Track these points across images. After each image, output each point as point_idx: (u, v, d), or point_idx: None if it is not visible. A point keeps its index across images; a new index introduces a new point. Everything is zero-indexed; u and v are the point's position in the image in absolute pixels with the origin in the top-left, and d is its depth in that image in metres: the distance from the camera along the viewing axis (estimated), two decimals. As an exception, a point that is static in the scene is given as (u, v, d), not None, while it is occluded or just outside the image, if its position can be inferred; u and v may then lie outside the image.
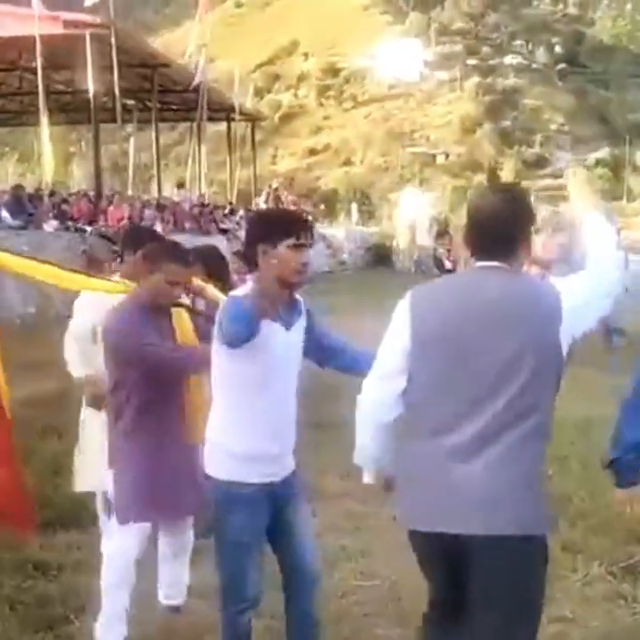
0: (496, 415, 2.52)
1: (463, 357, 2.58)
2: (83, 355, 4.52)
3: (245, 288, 2.99)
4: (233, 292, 3.08)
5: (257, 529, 3.16)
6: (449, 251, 13.54)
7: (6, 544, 4.82)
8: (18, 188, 17.62)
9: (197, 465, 3.27)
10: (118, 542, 3.75)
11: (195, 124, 25.85)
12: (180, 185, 26.57)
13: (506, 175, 66.35)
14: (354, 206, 49.80)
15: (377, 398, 2.78)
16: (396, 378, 2.71)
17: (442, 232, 15.38)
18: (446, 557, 2.70)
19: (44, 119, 18.60)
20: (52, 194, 18.44)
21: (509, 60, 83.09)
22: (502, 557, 2.54)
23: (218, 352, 2.99)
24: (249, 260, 3.10)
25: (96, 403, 4.40)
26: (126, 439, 3.65)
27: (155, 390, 3.59)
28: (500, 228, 2.63)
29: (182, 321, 3.77)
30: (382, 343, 2.80)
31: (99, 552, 4.63)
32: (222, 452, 3.05)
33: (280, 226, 3.01)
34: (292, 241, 2.95)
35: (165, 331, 3.65)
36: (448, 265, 13.39)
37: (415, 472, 2.69)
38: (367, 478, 3.07)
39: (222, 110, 28.75)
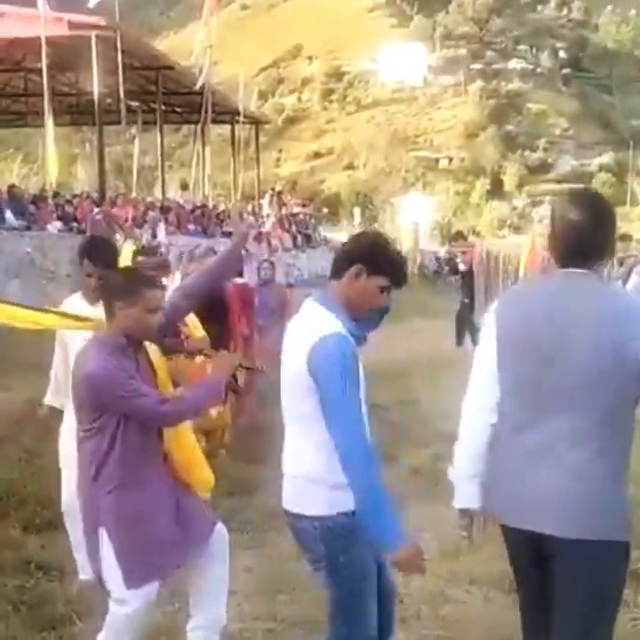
0: (580, 418, 2.61)
1: (548, 360, 2.65)
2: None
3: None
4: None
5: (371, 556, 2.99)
6: (464, 253, 13.51)
7: (8, 544, 4.84)
8: (13, 187, 17.60)
9: (184, 500, 3.35)
10: (126, 607, 3.30)
11: (199, 127, 25.86)
12: (184, 186, 26.61)
13: (509, 180, 66.43)
14: (356, 210, 49.90)
15: (481, 401, 2.85)
16: (494, 381, 2.81)
17: (456, 236, 15.35)
18: (533, 554, 2.82)
19: (48, 120, 18.63)
20: (55, 195, 18.46)
21: (513, 64, 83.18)
22: (587, 560, 2.64)
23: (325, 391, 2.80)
24: (340, 269, 2.93)
25: None
26: (115, 496, 3.23)
27: (142, 435, 3.27)
28: (585, 236, 2.69)
29: (154, 356, 3.47)
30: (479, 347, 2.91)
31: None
32: (326, 486, 2.84)
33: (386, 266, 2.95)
34: (385, 282, 2.95)
35: (146, 370, 3.36)
36: (462, 268, 13.40)
37: (502, 470, 2.81)
38: (459, 503, 3.09)
39: (226, 113, 28.77)
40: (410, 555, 2.76)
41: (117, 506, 3.21)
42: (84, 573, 4.18)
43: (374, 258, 2.89)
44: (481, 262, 13.86)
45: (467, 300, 13.07)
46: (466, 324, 12.89)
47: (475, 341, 12.52)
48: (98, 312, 4.02)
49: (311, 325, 2.84)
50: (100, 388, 3.15)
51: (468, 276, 13.31)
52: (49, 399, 4.58)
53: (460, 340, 12.96)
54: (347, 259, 2.90)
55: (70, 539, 4.36)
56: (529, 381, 2.69)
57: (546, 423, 2.66)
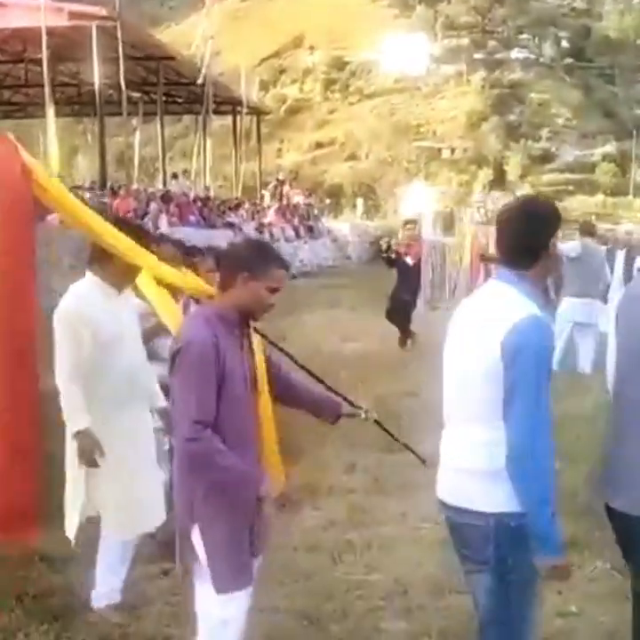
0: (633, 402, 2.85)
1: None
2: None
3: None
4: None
5: None
6: (410, 246, 12.82)
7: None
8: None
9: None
10: (221, 615, 3.11)
11: (200, 117, 25.81)
12: (174, 175, 26.51)
13: (512, 170, 66.27)
14: (359, 200, 49.78)
15: None
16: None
17: (407, 224, 14.40)
18: (618, 529, 3.02)
19: (49, 111, 18.60)
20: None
21: (516, 54, 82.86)
22: None
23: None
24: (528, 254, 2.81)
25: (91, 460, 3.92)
26: (216, 488, 3.03)
27: (241, 422, 3.06)
28: (512, 236, 2.85)
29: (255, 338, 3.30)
30: None
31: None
32: (507, 482, 2.65)
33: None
34: None
35: (247, 351, 3.18)
36: (410, 262, 12.77)
37: None
38: None
39: (228, 103, 28.72)
40: (566, 563, 2.69)
41: (217, 501, 3.02)
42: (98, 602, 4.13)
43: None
44: (428, 256, 13.62)
45: (407, 297, 12.00)
46: (406, 322, 12.06)
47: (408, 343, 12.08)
48: (121, 301, 4.00)
49: (504, 308, 2.68)
50: (191, 362, 2.93)
51: (413, 271, 12.41)
52: (85, 420, 3.92)
53: (405, 340, 11.96)
54: (536, 245, 2.79)
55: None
56: None
57: (617, 411, 3.01)
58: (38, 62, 19.63)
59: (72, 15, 18.04)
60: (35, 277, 2.54)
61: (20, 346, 2.77)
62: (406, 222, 13.16)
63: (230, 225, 22.62)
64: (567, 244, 9.76)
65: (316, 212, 33.82)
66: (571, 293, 9.87)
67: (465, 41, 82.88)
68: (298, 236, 27.92)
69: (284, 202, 29.76)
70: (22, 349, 2.82)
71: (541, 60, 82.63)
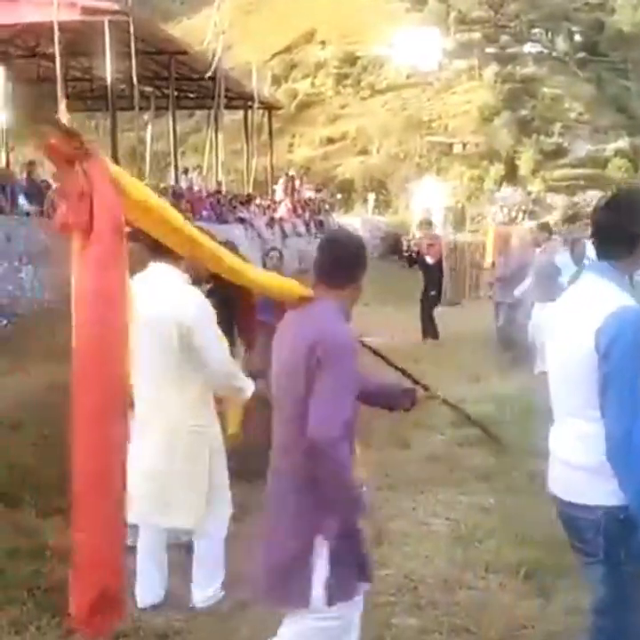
0: None
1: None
2: None
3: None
4: None
5: None
6: (431, 245, 13.35)
7: (24, 529, 4.86)
8: (31, 164, 17.43)
9: None
10: (338, 622, 2.97)
11: (212, 112, 25.81)
12: (186, 170, 26.53)
13: (524, 165, 65.96)
14: (370, 195, 49.70)
15: None
16: None
17: (422, 224, 15.03)
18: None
19: (61, 106, 18.61)
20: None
21: (528, 48, 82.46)
22: None
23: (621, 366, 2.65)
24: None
25: None
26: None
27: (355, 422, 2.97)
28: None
29: None
30: None
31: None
32: (611, 475, 2.69)
33: None
34: None
35: None
36: (430, 261, 13.29)
37: None
38: None
39: (239, 98, 28.68)
40: None
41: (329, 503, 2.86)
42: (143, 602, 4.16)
43: None
44: (448, 254, 13.93)
45: (434, 293, 12.83)
46: (432, 318, 12.81)
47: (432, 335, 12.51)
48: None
49: (597, 300, 2.71)
50: (345, 355, 2.83)
51: (435, 269, 13.02)
52: None
53: (426, 333, 12.79)
54: (631, 236, 2.82)
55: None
56: None
57: None
58: (50, 57, 19.67)
59: (85, 10, 18.03)
60: (127, 299, 2.39)
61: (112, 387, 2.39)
62: (422, 223, 13.63)
63: (242, 220, 22.62)
64: None
65: (326, 207, 33.80)
66: None
67: (477, 35, 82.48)
68: (309, 231, 27.90)
69: (295, 197, 29.74)
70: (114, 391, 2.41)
71: (554, 54, 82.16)
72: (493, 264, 13.78)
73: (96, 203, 2.30)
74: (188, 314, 3.82)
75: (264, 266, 6.85)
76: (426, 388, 3.59)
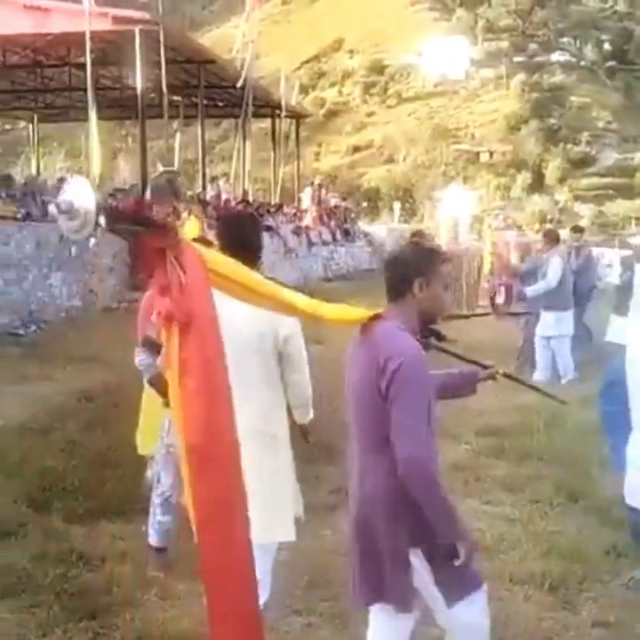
0: None
1: None
2: None
3: None
4: None
5: None
6: None
7: (51, 534, 4.92)
8: (62, 181, 17.75)
9: None
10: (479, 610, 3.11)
11: (240, 121, 25.94)
12: (213, 179, 26.68)
13: (551, 173, 65.65)
14: (396, 204, 49.68)
15: None
16: None
17: (415, 235, 14.58)
18: None
19: (92, 115, 18.77)
20: (98, 188, 18.63)
21: (557, 57, 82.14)
22: None
23: None
24: None
25: None
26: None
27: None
28: None
29: None
30: None
31: (142, 543, 4.72)
32: None
33: None
34: None
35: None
36: None
37: None
38: None
39: (267, 107, 28.79)
40: None
41: (422, 524, 2.82)
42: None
43: None
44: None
45: None
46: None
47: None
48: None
49: None
50: (414, 377, 2.78)
51: None
52: None
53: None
54: None
55: None
56: None
57: None
58: (81, 67, 19.87)
59: (116, 20, 18.20)
60: (229, 391, 2.35)
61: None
62: (413, 233, 13.36)
63: (268, 228, 22.69)
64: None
65: (352, 215, 33.82)
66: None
67: (505, 44, 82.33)
68: (334, 239, 27.93)
69: (322, 205, 29.79)
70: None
71: (582, 63, 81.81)
72: (491, 272, 13.49)
73: (192, 290, 2.34)
74: (286, 323, 3.89)
75: None
76: (485, 367, 3.55)
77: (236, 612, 2.30)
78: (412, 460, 2.70)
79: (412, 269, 2.98)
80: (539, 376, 9.82)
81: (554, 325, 9.97)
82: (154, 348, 4.58)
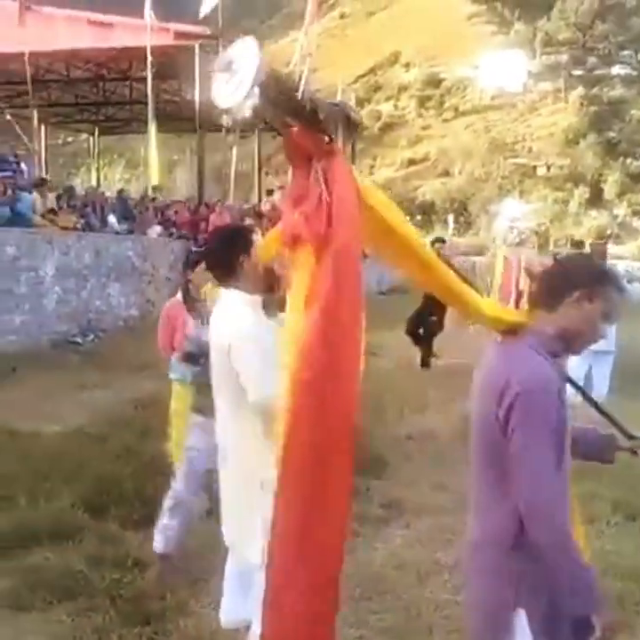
0: None
1: None
2: None
3: None
4: None
5: None
6: None
7: (108, 539, 4.99)
8: (122, 192, 18.16)
9: None
10: None
11: (296, 134, 26.09)
12: (269, 192, 26.85)
13: (609, 188, 64.78)
14: (450, 217, 49.50)
15: None
16: None
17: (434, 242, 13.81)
18: None
19: (151, 127, 19.12)
20: (153, 199, 18.90)
21: (617, 70, 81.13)
22: None
23: None
24: None
25: None
26: (539, 567, 2.33)
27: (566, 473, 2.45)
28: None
29: None
30: None
31: (197, 550, 4.76)
32: None
33: None
34: None
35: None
36: None
37: None
38: None
39: (323, 120, 28.98)
40: None
41: (540, 578, 2.35)
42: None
43: None
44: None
45: (434, 318, 11.73)
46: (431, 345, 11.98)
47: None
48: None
49: None
50: (537, 408, 2.32)
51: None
52: None
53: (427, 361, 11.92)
54: None
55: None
56: None
57: None
58: (142, 80, 20.24)
59: (177, 35, 18.55)
60: (361, 327, 2.03)
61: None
62: (434, 241, 12.93)
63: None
64: None
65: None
66: None
67: (564, 57, 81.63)
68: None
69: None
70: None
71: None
72: (501, 287, 12.99)
73: (334, 212, 1.99)
74: (230, 334, 3.48)
75: None
76: (631, 437, 2.86)
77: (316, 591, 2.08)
78: (532, 502, 2.29)
79: (578, 277, 2.50)
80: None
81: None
82: (193, 359, 4.55)
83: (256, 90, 2.15)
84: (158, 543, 4.67)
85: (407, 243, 2.25)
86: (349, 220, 1.98)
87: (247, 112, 2.12)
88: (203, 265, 5.01)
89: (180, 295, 5.38)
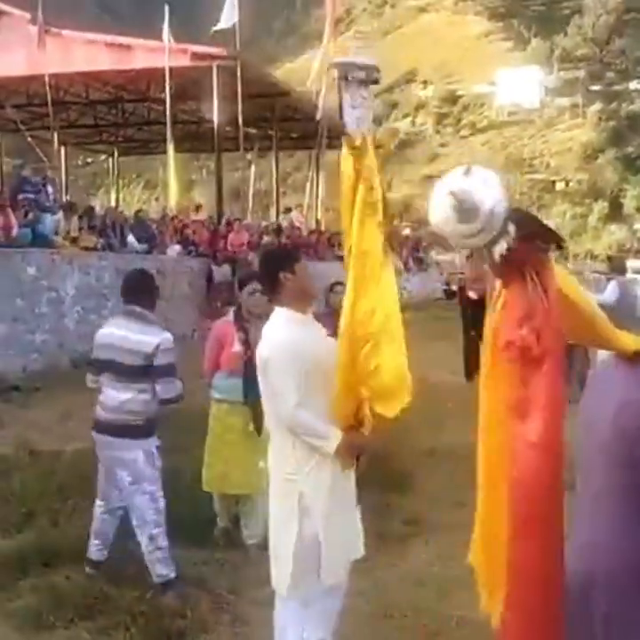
0: None
1: None
2: None
3: None
4: None
5: None
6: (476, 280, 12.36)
7: (129, 557, 5.00)
8: (140, 212, 18.30)
9: None
10: None
11: (313, 152, 26.24)
12: (288, 210, 26.99)
13: (629, 202, 64.52)
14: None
15: None
16: None
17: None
18: None
19: (170, 148, 19.26)
20: (172, 219, 19.02)
21: (635, 85, 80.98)
22: None
23: None
24: None
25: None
26: None
27: None
28: None
29: None
30: None
31: (216, 568, 4.76)
32: None
33: None
34: None
35: None
36: (474, 296, 12.28)
37: None
38: None
39: (340, 138, 29.07)
40: None
41: None
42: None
43: None
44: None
45: (473, 333, 12.04)
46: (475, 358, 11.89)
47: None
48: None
49: None
50: None
51: (478, 306, 11.97)
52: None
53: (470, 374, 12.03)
54: None
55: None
56: None
57: None
58: (160, 101, 20.42)
59: (195, 56, 18.69)
60: (562, 445, 2.09)
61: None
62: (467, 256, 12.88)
63: (340, 258, 22.77)
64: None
65: (424, 244, 33.79)
66: None
67: (581, 73, 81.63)
68: (407, 268, 27.89)
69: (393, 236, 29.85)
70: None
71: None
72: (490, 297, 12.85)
73: (552, 316, 2.01)
74: (265, 348, 3.54)
75: (327, 301, 6.39)
76: None
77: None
78: None
79: None
80: None
81: None
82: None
83: (510, 227, 2.13)
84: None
85: (588, 314, 2.26)
86: (557, 325, 2.02)
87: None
88: (253, 285, 5.17)
89: (231, 315, 5.38)
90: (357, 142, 3.16)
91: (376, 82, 3.44)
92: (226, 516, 5.53)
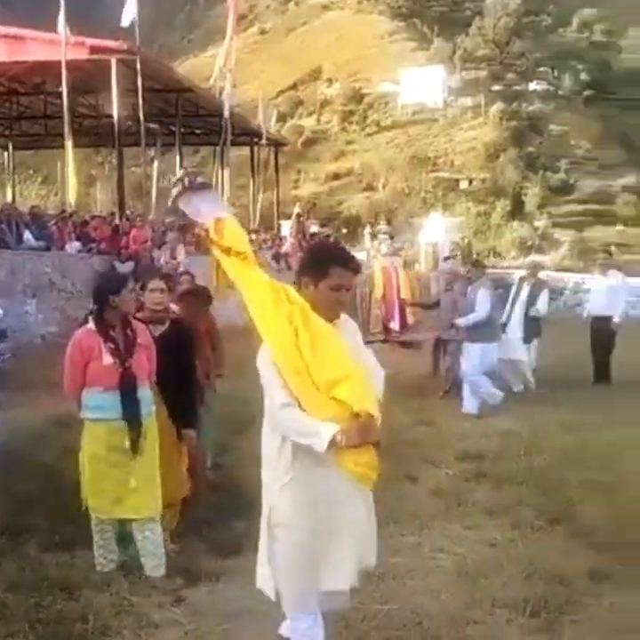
0: None
1: None
2: None
3: None
4: None
5: None
6: None
7: (26, 562, 4.82)
8: (35, 208, 17.79)
9: None
10: None
11: (218, 148, 26.03)
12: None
13: (530, 201, 66.19)
14: (367, 229, 49.86)
15: None
16: None
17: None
18: None
19: (68, 143, 18.76)
20: (71, 215, 18.52)
21: (534, 86, 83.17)
22: None
23: None
24: None
25: None
26: None
27: None
28: None
29: None
30: None
31: (119, 571, 4.62)
32: None
33: None
34: None
35: None
36: None
37: None
38: None
39: (245, 135, 28.92)
40: None
41: None
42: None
43: None
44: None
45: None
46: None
47: None
48: None
49: None
50: None
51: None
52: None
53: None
54: None
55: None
56: None
57: None
58: (57, 95, 19.87)
59: (93, 49, 18.24)
60: None
61: None
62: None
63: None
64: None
65: (332, 240, 33.92)
66: None
67: (483, 73, 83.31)
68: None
69: (301, 234, 29.85)
70: None
71: (560, 92, 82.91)
72: (384, 297, 13.04)
73: None
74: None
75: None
76: None
77: None
78: None
79: None
80: (468, 406, 9.66)
81: (479, 356, 9.65)
82: None
83: None
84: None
85: None
86: None
87: None
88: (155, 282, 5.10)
89: (91, 323, 4.73)
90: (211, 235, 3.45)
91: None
92: (121, 546, 4.90)
